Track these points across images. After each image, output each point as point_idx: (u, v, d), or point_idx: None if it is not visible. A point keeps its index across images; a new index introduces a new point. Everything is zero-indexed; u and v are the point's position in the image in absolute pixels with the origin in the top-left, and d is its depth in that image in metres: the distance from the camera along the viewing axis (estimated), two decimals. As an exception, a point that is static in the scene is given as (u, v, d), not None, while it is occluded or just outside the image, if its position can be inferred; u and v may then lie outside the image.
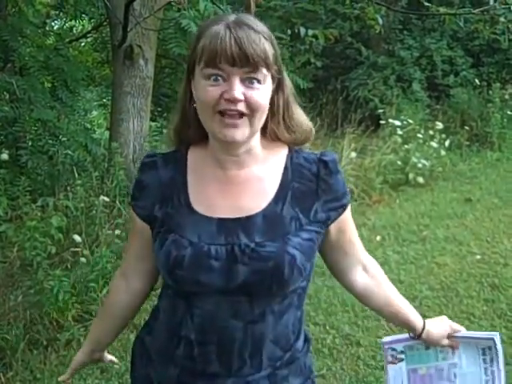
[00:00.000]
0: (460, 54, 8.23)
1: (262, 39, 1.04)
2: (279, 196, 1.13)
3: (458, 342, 1.37)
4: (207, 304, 1.11)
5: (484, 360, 1.39)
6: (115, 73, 4.38)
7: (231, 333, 1.11)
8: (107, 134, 5.02)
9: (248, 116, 1.06)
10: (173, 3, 3.55)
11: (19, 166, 4.16)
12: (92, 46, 7.07)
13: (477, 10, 4.06)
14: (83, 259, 3.20)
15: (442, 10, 4.16)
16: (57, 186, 3.99)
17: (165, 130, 5.16)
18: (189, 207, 1.14)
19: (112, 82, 4.55)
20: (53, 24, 6.80)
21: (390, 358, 1.40)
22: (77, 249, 3.26)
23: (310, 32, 3.69)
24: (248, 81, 1.04)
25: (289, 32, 5.63)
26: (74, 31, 7.11)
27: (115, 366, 2.69)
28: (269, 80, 1.08)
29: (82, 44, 7.09)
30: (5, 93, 4.31)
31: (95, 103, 6.79)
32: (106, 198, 3.61)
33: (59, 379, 1.37)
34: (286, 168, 1.16)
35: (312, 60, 7.28)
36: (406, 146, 6.01)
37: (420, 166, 5.80)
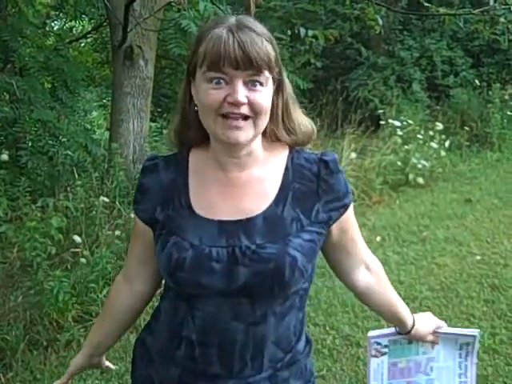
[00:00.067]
0: (460, 55, 8.24)
1: (264, 42, 1.05)
2: (280, 197, 1.13)
3: (439, 338, 1.42)
4: (208, 306, 1.11)
5: (460, 355, 1.45)
6: (115, 73, 4.38)
7: (232, 335, 1.11)
8: (107, 134, 5.02)
9: (252, 118, 1.06)
10: (173, 4, 3.55)
11: (19, 167, 4.16)
12: (92, 47, 7.07)
13: (477, 10, 4.07)
14: (83, 260, 3.19)
15: (442, 10, 4.17)
16: (57, 187, 3.99)
17: (165, 131, 5.16)
18: (190, 209, 1.14)
19: (112, 83, 4.55)
20: (53, 24, 6.80)
21: (373, 352, 1.42)
22: (77, 249, 3.26)
23: (310, 32, 3.69)
24: (251, 83, 1.05)
25: (289, 32, 5.64)
26: (74, 32, 7.11)
27: (115, 366, 2.70)
28: (270, 82, 1.08)
29: (82, 44, 7.09)
30: (5, 93, 4.31)
31: (95, 104, 6.79)
32: (106, 199, 3.61)
33: (56, 383, 1.35)
34: (286, 169, 1.16)
35: (312, 60, 7.28)
36: (405, 147, 6.02)
37: (420, 166, 5.81)
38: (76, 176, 3.96)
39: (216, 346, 1.12)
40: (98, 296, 3.08)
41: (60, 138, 4.46)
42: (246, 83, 1.04)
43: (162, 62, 6.30)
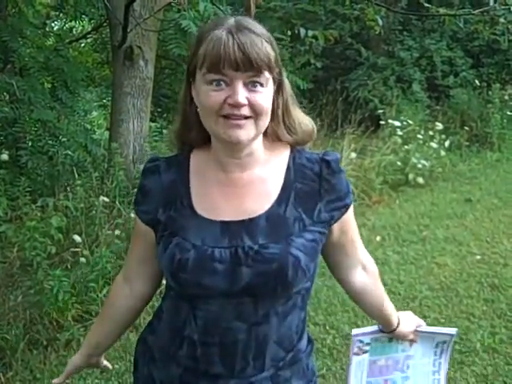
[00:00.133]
0: (460, 55, 8.24)
1: (263, 43, 1.05)
2: (282, 197, 1.13)
3: (418, 336, 1.44)
4: (211, 306, 1.11)
5: (435, 352, 1.48)
6: (115, 73, 4.38)
7: (235, 335, 1.11)
8: (107, 134, 5.02)
9: (253, 118, 1.06)
10: (173, 4, 3.55)
11: (19, 167, 4.17)
12: (92, 47, 7.07)
13: (477, 10, 4.07)
14: (83, 259, 3.20)
15: (442, 10, 4.17)
16: (57, 187, 3.99)
17: (165, 131, 5.16)
18: (192, 210, 1.13)
19: (112, 83, 4.55)
20: (53, 25, 6.81)
21: (355, 350, 1.43)
22: (77, 249, 3.26)
23: (310, 33, 3.69)
24: (251, 84, 1.05)
25: (289, 33, 5.66)
26: (74, 32, 7.12)
27: (115, 366, 2.71)
28: (271, 82, 1.08)
29: (82, 45, 7.09)
30: (5, 93, 4.31)
31: (95, 104, 6.79)
32: (106, 199, 3.61)
33: (53, 382, 1.35)
34: (288, 169, 1.16)
35: (312, 61, 7.29)
36: (405, 147, 6.02)
37: (420, 166, 5.81)
38: (76, 176, 3.97)
39: (218, 345, 1.12)
40: (97, 295, 3.08)
41: (60, 137, 4.46)
42: (246, 84, 1.04)
43: (161, 63, 6.30)
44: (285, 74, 1.15)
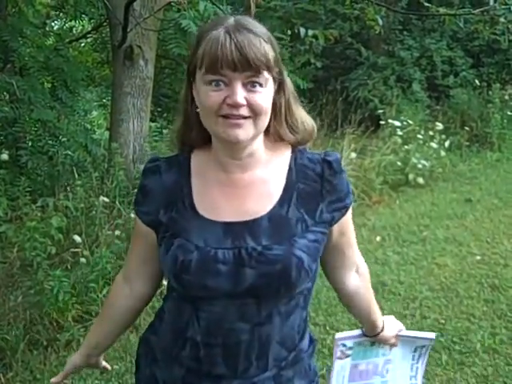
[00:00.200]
0: (460, 55, 8.24)
1: (262, 42, 1.04)
2: (284, 198, 1.13)
3: (398, 340, 1.45)
4: (214, 307, 1.11)
5: (413, 357, 1.48)
6: (115, 73, 4.38)
7: (238, 335, 1.11)
8: (107, 134, 5.02)
9: (252, 118, 1.05)
10: (173, 4, 3.55)
11: (19, 167, 4.17)
12: (92, 47, 7.07)
13: (477, 10, 4.07)
14: (83, 260, 3.19)
15: (442, 10, 4.16)
16: (57, 187, 3.99)
17: (165, 131, 5.17)
18: (194, 211, 1.13)
19: (112, 83, 4.55)
20: (53, 24, 6.82)
21: (338, 354, 1.43)
22: (77, 249, 3.26)
23: (310, 32, 3.69)
24: (250, 85, 1.04)
25: (289, 32, 5.65)
26: (74, 31, 7.12)
27: (115, 366, 2.70)
28: (270, 82, 1.07)
29: (82, 44, 7.09)
30: (5, 93, 4.31)
31: (95, 103, 6.79)
32: (106, 199, 3.61)
33: (51, 381, 1.35)
34: (290, 169, 1.16)
35: (312, 60, 7.28)
36: (405, 147, 6.02)
37: (420, 166, 5.81)
38: (76, 176, 3.97)
39: (221, 346, 1.12)
40: (98, 296, 3.08)
41: (60, 137, 4.46)
42: (245, 84, 1.04)
43: (161, 62, 6.30)
44: (286, 74, 1.14)
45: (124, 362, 2.79)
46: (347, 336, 1.43)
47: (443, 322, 3.12)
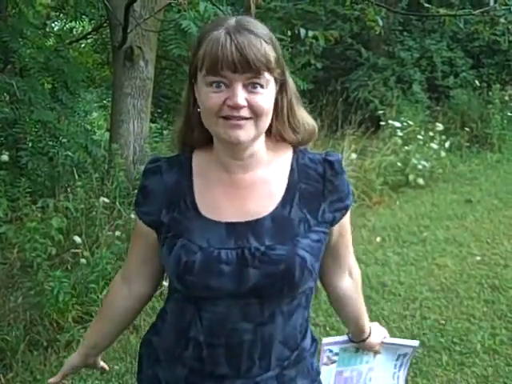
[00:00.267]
0: (460, 55, 8.24)
1: (263, 43, 1.03)
2: (286, 198, 1.13)
3: (382, 347, 1.44)
4: (217, 308, 1.11)
5: (395, 365, 1.48)
6: (115, 74, 4.38)
7: (241, 335, 1.11)
8: (107, 135, 5.02)
9: (253, 119, 1.05)
10: (173, 4, 3.56)
11: (19, 168, 4.17)
12: (92, 48, 7.08)
13: (477, 11, 4.06)
14: (83, 260, 3.19)
15: (442, 11, 4.16)
16: (57, 188, 3.99)
17: (165, 132, 5.17)
18: (196, 211, 1.13)
19: (112, 84, 4.55)
20: (53, 25, 6.82)
21: (325, 359, 1.43)
22: (77, 250, 3.26)
23: (310, 33, 3.68)
24: (251, 86, 1.04)
25: (289, 33, 5.65)
26: (74, 32, 7.13)
27: (115, 367, 2.70)
28: (272, 83, 1.07)
29: (82, 45, 7.10)
30: (5, 94, 4.31)
31: (95, 104, 6.80)
32: (106, 200, 3.61)
33: (49, 381, 1.34)
34: (291, 169, 1.16)
35: (312, 61, 7.27)
36: (406, 148, 6.02)
37: (420, 167, 5.81)
38: (76, 177, 3.97)
39: (224, 346, 1.12)
40: (98, 296, 3.08)
41: (60, 138, 4.46)
42: (245, 86, 1.03)
43: (162, 63, 6.30)
44: (288, 74, 1.14)
45: (124, 362, 2.78)
46: (334, 341, 1.43)
47: (443, 322, 3.12)
